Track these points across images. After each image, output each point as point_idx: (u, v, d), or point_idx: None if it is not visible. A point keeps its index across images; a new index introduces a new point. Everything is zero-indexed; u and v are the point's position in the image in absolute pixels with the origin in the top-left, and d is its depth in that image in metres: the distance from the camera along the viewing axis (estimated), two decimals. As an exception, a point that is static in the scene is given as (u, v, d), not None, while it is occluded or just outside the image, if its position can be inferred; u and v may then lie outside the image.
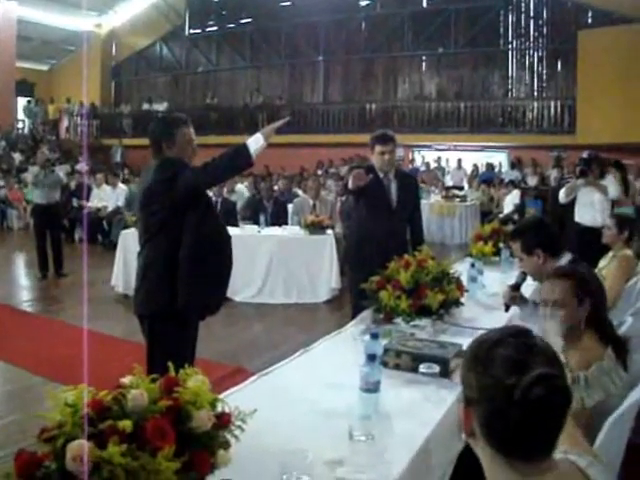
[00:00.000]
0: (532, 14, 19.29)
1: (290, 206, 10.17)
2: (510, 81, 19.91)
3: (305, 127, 21.08)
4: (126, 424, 1.52)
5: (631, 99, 15.16)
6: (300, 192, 12.76)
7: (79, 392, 1.67)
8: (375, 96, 21.70)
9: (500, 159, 19.44)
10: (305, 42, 22.37)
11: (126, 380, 1.77)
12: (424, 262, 3.98)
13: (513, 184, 14.34)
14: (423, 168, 19.32)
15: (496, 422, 1.32)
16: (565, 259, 3.52)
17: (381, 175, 5.12)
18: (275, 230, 8.90)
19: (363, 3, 21.68)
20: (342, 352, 3.29)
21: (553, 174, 15.94)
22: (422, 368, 2.74)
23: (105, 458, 1.46)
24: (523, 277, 3.78)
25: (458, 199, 15.47)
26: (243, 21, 23.49)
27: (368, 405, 2.32)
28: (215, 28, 24.20)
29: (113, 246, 12.21)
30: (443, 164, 19.98)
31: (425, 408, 2.55)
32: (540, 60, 19.31)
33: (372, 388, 2.35)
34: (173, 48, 25.35)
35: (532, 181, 16.37)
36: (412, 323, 3.67)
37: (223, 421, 1.76)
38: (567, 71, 18.30)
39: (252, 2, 22.80)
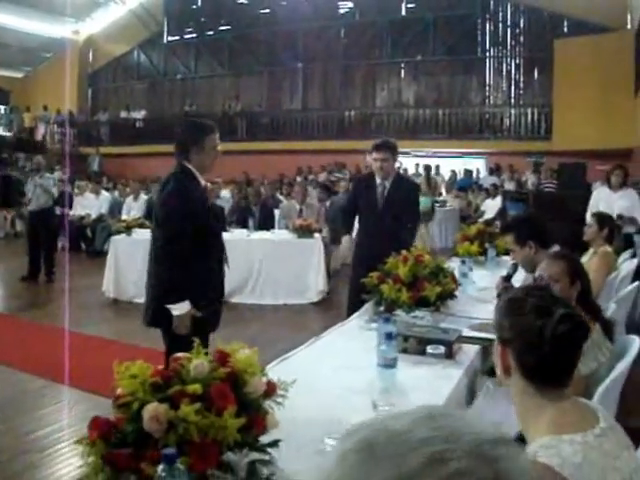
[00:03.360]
0: (509, 23, 19.75)
1: (277, 211, 10.39)
2: (487, 88, 20.32)
3: (284, 134, 21.29)
4: (196, 387, 1.71)
5: (605, 106, 15.58)
6: (282, 198, 12.99)
7: (140, 366, 1.86)
8: (354, 103, 21.96)
9: (478, 165, 19.77)
10: (284, 49, 22.54)
11: (180, 355, 1.95)
12: (421, 257, 4.21)
13: (496, 188, 14.68)
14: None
15: (530, 356, 1.64)
16: (555, 250, 3.80)
17: (378, 181, 5.44)
18: (264, 234, 9.10)
19: (342, 11, 21.98)
20: (351, 339, 3.54)
21: (531, 179, 16.27)
22: (430, 349, 3.05)
23: (181, 417, 1.64)
24: (515, 268, 4.05)
25: (438, 204, 15.76)
26: (222, 28, 23.58)
27: (387, 379, 2.55)
28: (193, 35, 24.27)
29: (97, 253, 12.37)
30: (421, 170, 20.21)
31: (435, 383, 2.79)
32: (517, 68, 19.74)
33: (390, 364, 2.57)
34: (151, 55, 25.34)
35: (509, 186, 16.65)
36: (412, 314, 3.88)
37: (270, 389, 1.95)
38: (543, 79, 18.74)
39: (231, 9, 22.97)
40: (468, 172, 18.77)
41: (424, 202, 12.03)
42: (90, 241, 13.20)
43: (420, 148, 20.11)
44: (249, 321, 7.79)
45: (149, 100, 25.08)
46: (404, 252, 4.29)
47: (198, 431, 1.66)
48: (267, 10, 22.54)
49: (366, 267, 5.19)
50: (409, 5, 21.04)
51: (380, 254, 5.02)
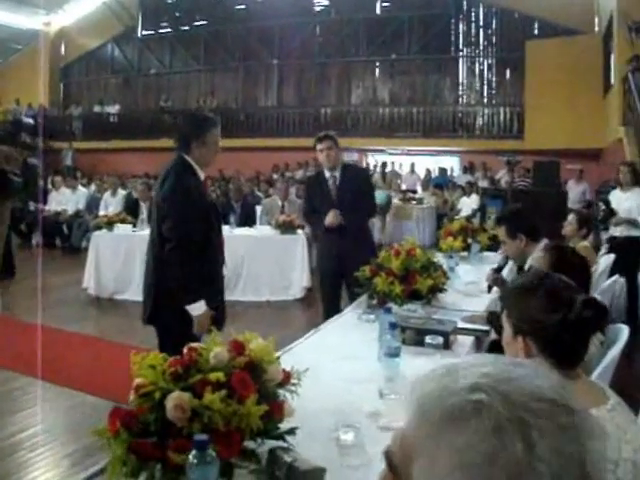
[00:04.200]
0: (482, 24, 19.96)
1: (259, 207, 10.37)
2: (461, 88, 20.51)
3: (259, 131, 21.24)
4: (218, 375, 1.72)
5: (576, 106, 15.81)
6: (260, 194, 12.99)
7: (155, 356, 1.86)
8: (329, 101, 21.95)
9: (452, 163, 19.92)
10: (259, 46, 22.48)
11: (195, 345, 1.95)
12: (413, 251, 4.25)
13: (472, 186, 14.83)
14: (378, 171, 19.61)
15: (554, 343, 1.72)
16: (543, 244, 3.86)
17: (327, 174, 5.44)
18: (246, 230, 9.07)
19: (318, 8, 21.96)
20: (348, 331, 3.59)
21: (504, 177, 16.40)
22: (428, 339, 3.08)
23: (205, 405, 1.65)
24: (505, 260, 4.12)
25: (415, 202, 15.86)
26: (197, 23, 23.39)
27: (392, 368, 2.58)
28: (168, 30, 23.99)
29: (74, 250, 12.22)
30: (397, 168, 20.32)
31: None
32: (490, 68, 19.96)
33: (394, 353, 2.60)
34: (125, 49, 24.96)
35: (483, 184, 16.79)
36: (404, 307, 3.92)
37: (285, 378, 1.96)
38: (515, 79, 18.95)
39: (206, 4, 22.77)
40: (443, 170, 18.89)
41: (380, 196, 12.17)
42: (66, 237, 12.99)
43: (395, 146, 20.21)
44: (232, 319, 7.65)
45: (123, 95, 24.70)
46: (395, 245, 4.34)
47: (222, 419, 1.66)
48: (243, 6, 22.42)
49: (333, 263, 5.38)
50: (384, 4, 21.13)
51: (343, 246, 5.25)
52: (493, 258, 6.44)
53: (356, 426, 2.05)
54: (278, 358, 1.98)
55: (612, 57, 14.43)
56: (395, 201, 15.85)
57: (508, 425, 0.68)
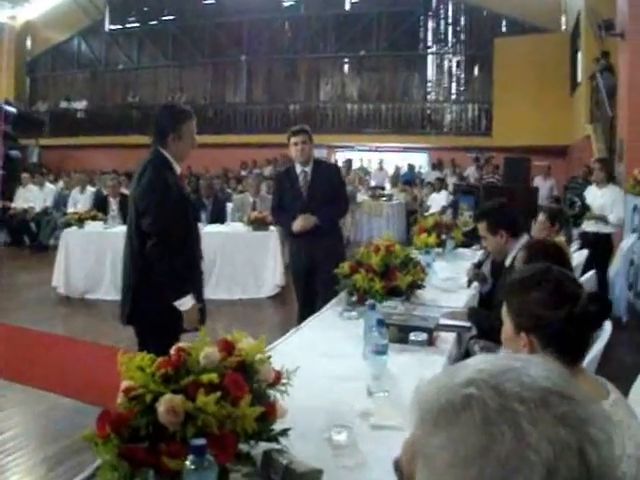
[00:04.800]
0: (451, 21, 20.12)
1: (229, 204, 10.29)
2: (429, 84, 20.65)
3: (228, 127, 21.10)
4: (212, 377, 1.66)
5: (543, 104, 16.00)
6: (229, 191, 12.93)
7: (143, 358, 1.80)
8: (298, 97, 21.89)
9: (420, 160, 20.01)
10: (228, 41, 22.32)
11: (184, 345, 1.90)
12: (392, 247, 4.23)
13: (441, 182, 14.90)
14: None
15: (560, 339, 1.69)
16: (524, 239, 3.88)
17: (298, 169, 5.36)
18: (218, 227, 8.99)
19: (287, 4, 21.86)
20: (330, 328, 3.55)
21: (473, 174, 16.52)
22: (412, 336, 3.07)
23: (200, 408, 1.60)
24: (487, 255, 4.12)
25: (384, 198, 15.90)
26: (165, 18, 23.11)
27: (379, 366, 2.55)
28: (136, 24, 23.64)
29: (42, 248, 12.01)
30: (365, 165, 20.36)
31: (422, 370, 2.78)
32: (458, 65, 20.13)
33: (382, 350, 2.58)
34: (92, 44, 24.50)
35: (452, 181, 16.92)
36: (384, 303, 3.90)
37: (276, 377, 1.92)
38: (484, 76, 19.12)
39: (175, -1, 22.60)
40: (411, 167, 18.98)
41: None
42: (34, 235, 12.75)
43: (363, 143, 20.25)
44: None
45: (90, 90, 24.23)
46: (374, 241, 4.33)
47: (216, 422, 1.61)
48: (211, 1, 22.24)
49: (305, 262, 5.32)
50: (353, 0, 21.14)
51: (313, 245, 5.18)
52: (468, 254, 6.48)
53: (348, 426, 2.02)
54: (269, 358, 1.93)
55: (579, 55, 14.62)
56: (364, 198, 15.88)
57: (497, 416, 0.68)
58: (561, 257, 2.87)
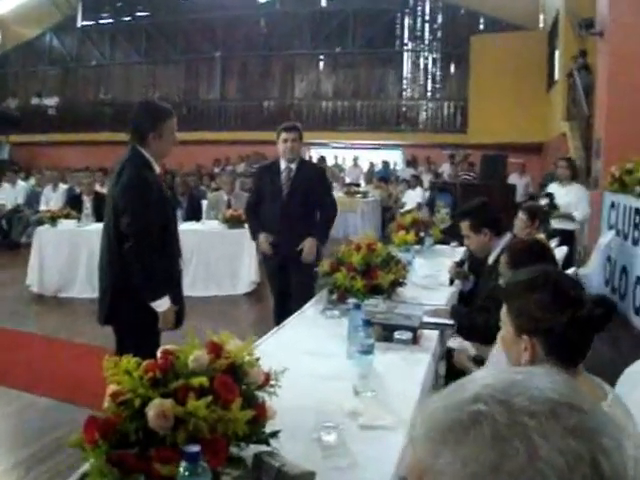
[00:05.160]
0: (427, 18, 20.21)
1: (204, 201, 10.24)
2: (405, 82, 20.71)
3: (202, 124, 20.95)
4: (202, 380, 1.63)
5: (519, 101, 16.12)
6: (203, 188, 12.87)
7: (128, 361, 1.76)
8: (272, 94, 21.85)
9: (395, 157, 20.06)
10: (202, 38, 22.17)
11: (169, 347, 1.86)
12: (373, 245, 4.21)
13: (417, 180, 14.94)
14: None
15: (564, 342, 1.68)
16: (507, 237, 3.89)
17: (283, 165, 5.25)
18: (193, 225, 8.93)
19: (262, 0, 21.72)
20: (312, 327, 3.53)
21: (447, 171, 16.58)
22: (397, 335, 3.06)
23: (190, 412, 1.56)
24: (469, 254, 4.12)
25: (359, 195, 15.89)
26: (139, 14, 22.89)
27: (365, 365, 2.53)
28: (109, 20, 23.38)
29: (14, 245, 11.85)
30: (340, 162, 20.38)
31: (407, 369, 2.82)
32: (434, 62, 20.23)
33: (368, 350, 2.55)
34: (64, 40, 24.13)
35: (426, 178, 16.98)
36: (365, 301, 3.88)
37: (266, 379, 1.89)
38: (460, 74, 19.23)
39: (149, -6, 22.34)
40: (386, 164, 19.01)
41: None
42: (6, 233, 12.55)
43: (338, 139, 20.26)
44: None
45: (62, 87, 23.89)
46: (355, 239, 4.31)
47: (208, 426, 1.58)
48: (186, -3, 22.09)
49: (277, 259, 5.26)
50: (329, -3, 21.11)
51: (289, 243, 5.11)
52: (447, 251, 6.49)
53: (338, 426, 2.00)
54: (258, 359, 1.90)
55: (557, 53, 14.73)
56: (339, 194, 15.86)
57: (507, 431, 0.68)
58: (545, 255, 2.87)
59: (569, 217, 7.07)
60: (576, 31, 6.28)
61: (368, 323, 2.64)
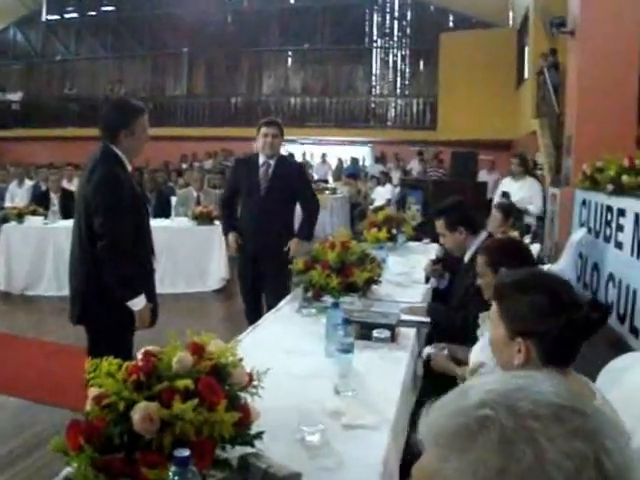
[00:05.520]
0: (397, 15, 20.25)
1: (173, 198, 10.16)
2: (374, 78, 20.77)
3: (168, 120, 20.77)
4: (187, 382, 1.60)
5: (488, 99, 16.26)
6: (171, 184, 12.79)
7: (110, 363, 1.73)
8: (240, 90, 21.73)
9: (364, 153, 20.11)
10: (169, 33, 21.95)
11: (151, 349, 1.83)
12: (347, 243, 4.21)
13: (386, 176, 14.99)
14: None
15: (557, 343, 1.67)
16: (483, 236, 3.90)
17: (261, 159, 5.15)
18: (162, 221, 8.85)
19: (230, -4, 21.64)
20: (288, 325, 3.51)
21: (416, 168, 16.67)
22: (375, 333, 3.07)
23: (177, 415, 1.54)
24: (445, 252, 4.13)
25: (328, 191, 15.89)
26: (105, 9, 22.61)
27: (345, 364, 2.52)
28: (75, 15, 23.05)
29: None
30: (308, 158, 20.36)
31: (386, 367, 2.82)
32: (403, 59, 20.29)
33: (348, 348, 2.54)
34: (28, 34, 23.73)
35: (395, 175, 17.05)
36: (340, 299, 3.87)
37: (249, 380, 1.87)
38: (429, 70, 19.32)
39: (115, -11, 22.05)
40: (354, 160, 19.04)
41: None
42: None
43: (307, 136, 20.22)
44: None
45: (26, 82, 23.41)
46: (330, 238, 4.30)
47: (194, 429, 1.56)
48: (153, -8, 21.85)
49: (251, 255, 5.16)
50: (298, -8, 21.06)
51: (265, 240, 5.05)
52: (419, 248, 6.52)
53: (321, 426, 1.99)
54: (241, 360, 1.87)
55: (526, 51, 14.84)
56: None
57: (514, 435, 0.69)
58: (524, 254, 2.88)
59: (524, 212, 7.24)
60: (547, 30, 6.35)
61: (348, 322, 2.62)
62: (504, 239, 3.48)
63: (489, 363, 2.12)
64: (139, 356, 1.82)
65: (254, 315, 4.90)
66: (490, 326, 1.88)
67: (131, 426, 1.54)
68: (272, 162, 5.17)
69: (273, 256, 5.06)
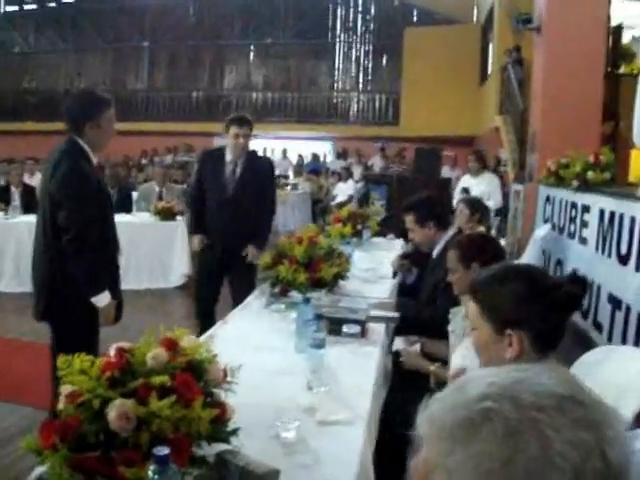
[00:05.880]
0: (360, 9, 20.22)
1: (134, 193, 10.04)
2: (337, 73, 20.74)
3: (129, 114, 20.43)
4: (163, 379, 1.58)
5: (451, 95, 16.38)
6: (131, 179, 12.69)
7: (82, 359, 1.70)
8: (201, 84, 21.54)
9: (325, 149, 20.11)
10: (130, 26, 21.64)
11: (124, 345, 1.80)
12: (315, 238, 4.20)
13: (348, 172, 15.01)
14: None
15: (545, 327, 1.70)
16: (452, 231, 3.92)
17: (228, 158, 4.95)
18: (124, 217, 8.72)
19: (191, -12, 21.41)
20: (257, 322, 3.49)
21: (377, 163, 16.70)
22: (345, 328, 3.06)
23: (154, 412, 1.51)
24: (414, 247, 4.14)
25: (289, 187, 15.89)
26: (65, 1, 22.21)
27: (317, 359, 2.50)
28: (34, 6, 22.57)
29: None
30: (269, 154, 20.29)
31: (357, 362, 2.83)
32: (366, 54, 20.29)
33: (320, 344, 2.53)
34: (-15, 26, 23.15)
35: (357, 170, 17.07)
36: (308, 295, 3.86)
37: (224, 376, 1.85)
38: (392, 66, 19.38)
39: (75, -20, 21.67)
40: (315, 156, 19.03)
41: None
42: None
43: (268, 131, 20.13)
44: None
45: (-18, 74, 23.04)
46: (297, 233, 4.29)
47: (171, 426, 1.53)
48: (113, -16, 21.53)
49: (218, 255, 5.01)
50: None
51: (232, 242, 4.91)
52: (384, 243, 6.55)
53: (296, 423, 1.98)
54: (215, 356, 1.85)
55: (490, 47, 14.96)
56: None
57: (519, 427, 0.69)
58: (496, 248, 2.91)
59: None
60: (513, 26, 6.41)
61: (320, 317, 2.61)
62: (475, 234, 3.50)
63: (472, 367, 2.12)
64: (111, 352, 1.79)
65: (207, 316, 4.91)
66: (470, 331, 1.88)
67: (107, 424, 1.51)
68: (240, 162, 4.96)
69: (241, 256, 4.96)
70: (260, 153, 16.80)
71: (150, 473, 1.32)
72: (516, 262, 4.47)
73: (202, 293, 5.25)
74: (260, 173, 5.06)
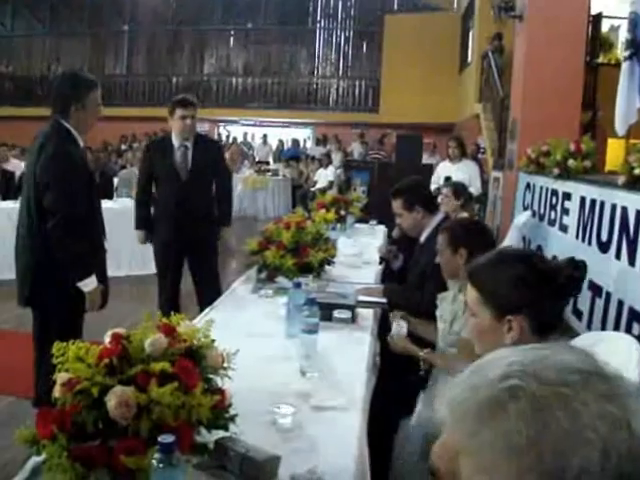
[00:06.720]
0: (341, -5, 20.03)
1: (115, 179, 9.96)
2: (317, 59, 20.59)
3: (108, 100, 20.08)
4: (164, 365, 1.56)
5: (430, 82, 16.36)
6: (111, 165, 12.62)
7: (78, 347, 1.67)
8: (181, 69, 21.29)
9: (305, 135, 20.06)
10: (109, 10, 21.32)
11: (120, 331, 1.77)
12: (302, 223, 4.19)
13: (328, 158, 15.00)
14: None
15: (546, 311, 1.71)
16: (439, 216, 3.93)
17: (176, 143, 4.81)
18: (105, 203, 8.63)
19: (171, -28, 21.15)
20: (246, 308, 3.47)
21: (357, 149, 16.68)
22: (336, 314, 3.08)
23: (155, 399, 1.49)
24: (401, 233, 4.15)
25: (270, 173, 15.87)
26: (43, -17, 21.71)
27: (310, 345, 2.50)
28: (11, -10, 22.00)
29: None
30: (249, 139, 20.22)
31: (349, 348, 2.83)
32: (347, 40, 20.16)
33: (313, 329, 2.52)
34: (-41, 8, 22.69)
35: (336, 156, 17.06)
36: (295, 280, 3.85)
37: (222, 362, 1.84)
38: (372, 53, 19.30)
39: (53, -37, 21.26)
40: (295, 142, 18.98)
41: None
42: None
43: (248, 117, 20.06)
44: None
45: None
46: (285, 217, 4.28)
47: (172, 413, 1.52)
48: (91, -33, 21.17)
49: (175, 245, 4.92)
50: (241, -29, 20.71)
51: (190, 230, 4.79)
52: (367, 229, 6.56)
53: (292, 409, 1.98)
54: (214, 342, 1.84)
55: (470, 34, 14.94)
56: (250, 172, 15.86)
57: (547, 402, 0.69)
58: (486, 233, 2.91)
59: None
60: (495, 13, 6.43)
61: (313, 302, 2.60)
62: (465, 219, 3.52)
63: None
64: (106, 339, 1.77)
65: (171, 305, 4.80)
66: (468, 317, 1.88)
67: (106, 412, 1.49)
68: (189, 144, 4.82)
69: (199, 246, 4.92)
70: (240, 139, 16.79)
71: (154, 462, 1.30)
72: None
73: (165, 284, 5.15)
74: (211, 155, 4.97)
